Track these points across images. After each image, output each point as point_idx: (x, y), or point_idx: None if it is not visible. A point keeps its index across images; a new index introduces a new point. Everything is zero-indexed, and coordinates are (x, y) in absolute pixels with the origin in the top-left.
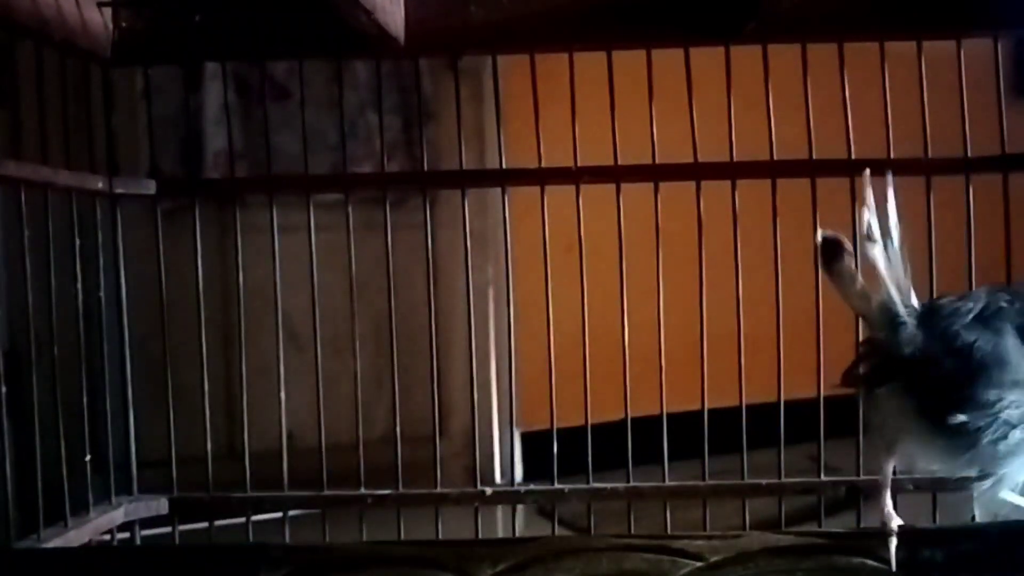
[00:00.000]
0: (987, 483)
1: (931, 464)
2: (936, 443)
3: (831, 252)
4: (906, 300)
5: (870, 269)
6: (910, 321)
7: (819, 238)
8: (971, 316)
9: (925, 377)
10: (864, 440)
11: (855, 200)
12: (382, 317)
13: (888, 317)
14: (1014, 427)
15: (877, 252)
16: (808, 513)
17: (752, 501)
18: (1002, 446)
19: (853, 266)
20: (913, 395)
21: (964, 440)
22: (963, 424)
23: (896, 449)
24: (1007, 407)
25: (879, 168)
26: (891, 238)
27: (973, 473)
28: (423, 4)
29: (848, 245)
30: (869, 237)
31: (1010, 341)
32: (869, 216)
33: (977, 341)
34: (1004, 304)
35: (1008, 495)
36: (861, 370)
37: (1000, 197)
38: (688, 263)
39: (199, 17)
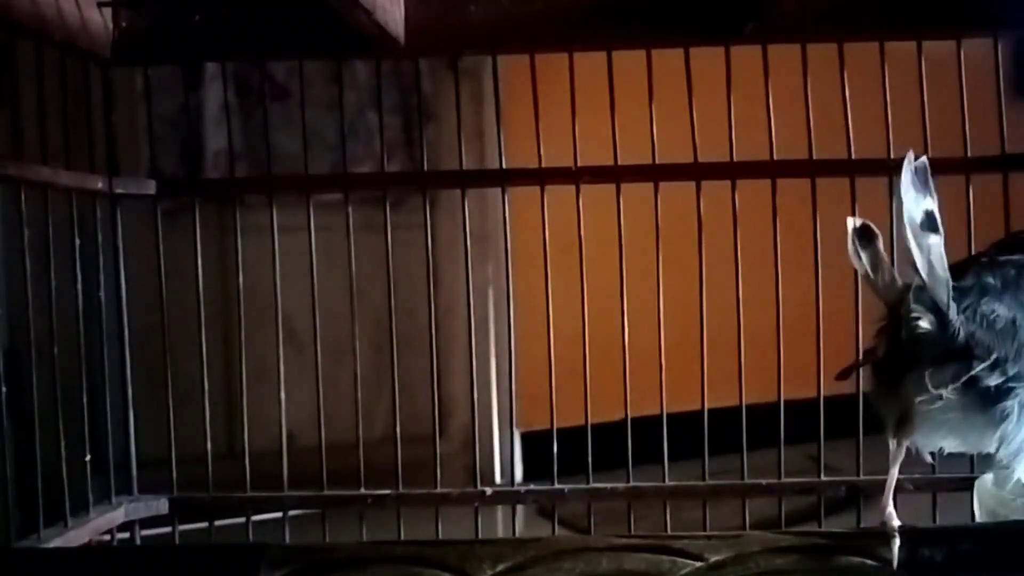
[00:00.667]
0: (1013, 465)
1: (960, 448)
2: (980, 427)
3: (864, 238)
4: (947, 281)
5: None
6: (951, 312)
7: (852, 225)
8: (999, 290)
9: (970, 359)
10: (864, 440)
11: (855, 200)
12: (382, 317)
13: (924, 303)
14: None
15: (940, 241)
16: (808, 513)
17: (752, 501)
18: None
19: (882, 252)
20: (966, 385)
21: (1008, 420)
22: (1012, 405)
23: (918, 435)
24: None
25: (879, 168)
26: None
27: (1007, 454)
28: (423, 4)
29: (877, 230)
30: (933, 227)
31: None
32: (930, 202)
33: (1017, 319)
34: (1016, 267)
35: None
36: (883, 355)
37: (1000, 197)
38: (688, 263)
39: (199, 17)
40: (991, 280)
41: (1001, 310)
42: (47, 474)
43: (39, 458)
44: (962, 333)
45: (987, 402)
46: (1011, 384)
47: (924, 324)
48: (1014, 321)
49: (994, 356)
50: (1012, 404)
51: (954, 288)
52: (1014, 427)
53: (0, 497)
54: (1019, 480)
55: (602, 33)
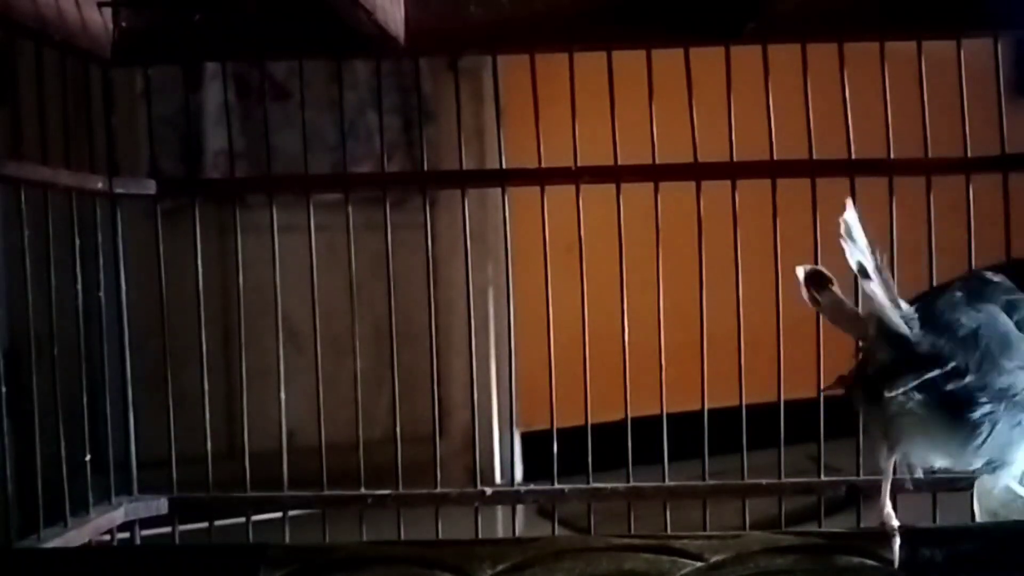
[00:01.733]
0: (997, 471)
1: (940, 460)
2: (949, 436)
3: (815, 285)
4: (899, 309)
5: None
6: (912, 330)
7: (801, 273)
8: (964, 303)
9: (937, 374)
10: (864, 440)
11: (855, 200)
12: (382, 317)
13: (887, 331)
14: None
15: (874, 286)
16: (808, 513)
17: (752, 501)
18: (1016, 431)
19: (838, 293)
20: (926, 393)
21: (978, 429)
22: (981, 414)
23: (900, 448)
24: (1018, 391)
25: (879, 168)
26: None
27: (982, 462)
28: (423, 4)
29: (830, 274)
30: (864, 274)
31: (1008, 322)
32: (858, 253)
33: (980, 328)
34: (985, 285)
35: (1015, 485)
36: (864, 375)
37: (1000, 197)
38: (688, 263)
39: (199, 17)
40: (958, 294)
41: (964, 320)
42: (47, 474)
43: (39, 458)
44: (924, 345)
45: (955, 410)
46: (978, 392)
47: (885, 356)
48: (976, 330)
49: (952, 363)
50: (982, 412)
51: (921, 304)
52: (988, 435)
53: (0, 497)
54: (1007, 487)
55: (602, 33)
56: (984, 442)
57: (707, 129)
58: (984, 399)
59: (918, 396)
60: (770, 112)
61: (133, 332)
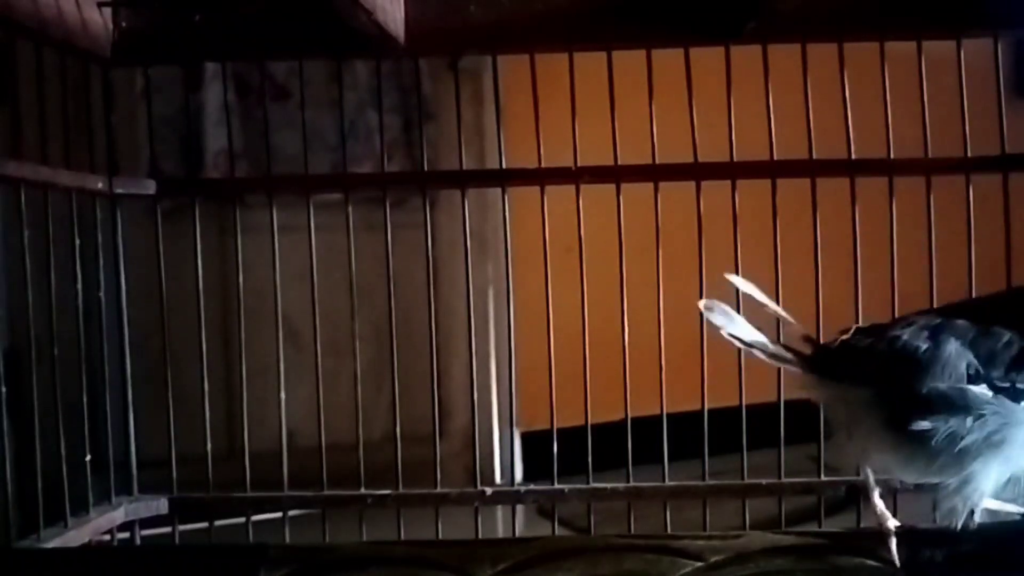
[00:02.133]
0: (955, 488)
1: (899, 473)
2: (900, 450)
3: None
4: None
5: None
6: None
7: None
8: (916, 328)
9: (885, 386)
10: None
11: (855, 200)
12: (382, 317)
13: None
14: (972, 429)
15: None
16: (808, 513)
17: (752, 501)
18: (962, 447)
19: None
20: (875, 406)
21: (926, 444)
22: (925, 429)
23: (868, 456)
24: (963, 409)
25: (879, 168)
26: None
27: (940, 478)
28: (423, 4)
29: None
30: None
31: (953, 345)
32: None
33: (926, 346)
34: (940, 320)
35: (990, 502)
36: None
37: (1000, 197)
38: (688, 263)
39: (199, 17)
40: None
41: (914, 341)
42: (47, 474)
43: (39, 458)
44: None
45: (898, 424)
46: (920, 407)
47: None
48: (922, 348)
49: (898, 382)
50: (923, 427)
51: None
52: (937, 455)
53: (0, 497)
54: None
55: (602, 33)
56: (929, 456)
57: (707, 129)
58: (926, 414)
59: (866, 411)
60: (770, 112)
61: (133, 332)
